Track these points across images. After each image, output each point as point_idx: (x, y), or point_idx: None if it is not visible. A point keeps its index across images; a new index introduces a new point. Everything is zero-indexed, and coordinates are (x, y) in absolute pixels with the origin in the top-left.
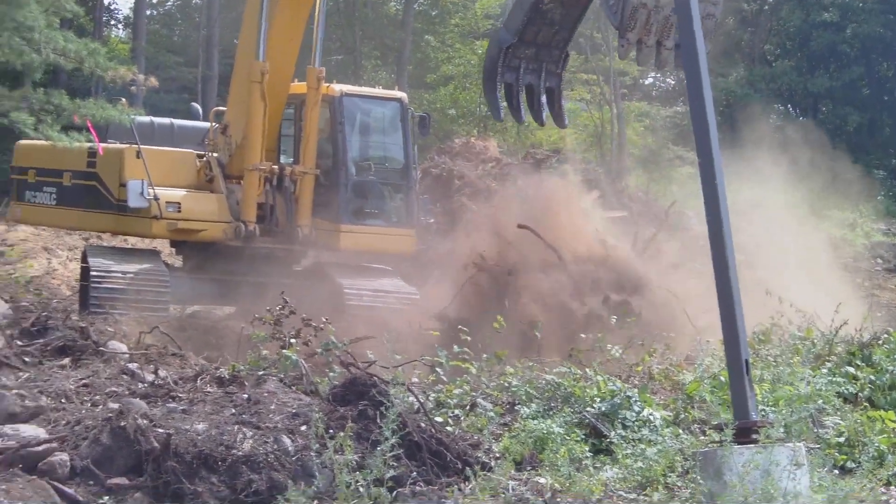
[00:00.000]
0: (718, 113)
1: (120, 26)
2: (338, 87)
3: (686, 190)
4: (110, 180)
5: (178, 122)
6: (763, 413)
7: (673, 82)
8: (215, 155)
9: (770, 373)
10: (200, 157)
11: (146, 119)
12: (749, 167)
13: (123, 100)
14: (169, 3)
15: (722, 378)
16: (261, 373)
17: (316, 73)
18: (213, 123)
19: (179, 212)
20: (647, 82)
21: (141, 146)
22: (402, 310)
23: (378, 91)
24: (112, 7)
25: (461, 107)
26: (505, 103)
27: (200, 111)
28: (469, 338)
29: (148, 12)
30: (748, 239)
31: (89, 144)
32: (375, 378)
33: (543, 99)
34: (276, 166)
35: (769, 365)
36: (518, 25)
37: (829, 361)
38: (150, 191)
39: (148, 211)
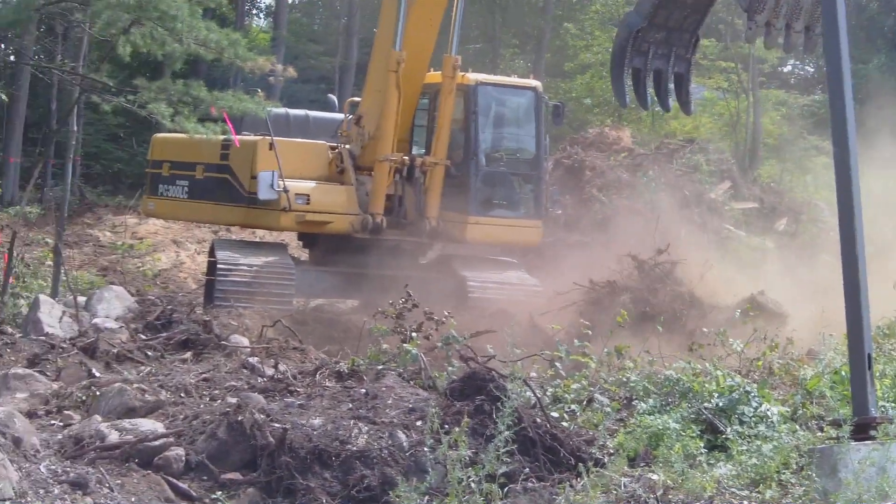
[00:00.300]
0: (857, 101)
1: (262, 15)
2: (473, 76)
3: (820, 181)
4: (242, 173)
5: (313, 113)
6: (883, 409)
7: (812, 69)
8: (347, 147)
9: (893, 368)
10: (333, 148)
11: (281, 111)
12: (886, 157)
13: (261, 91)
14: None
15: (843, 373)
16: (380, 367)
17: (452, 62)
18: (348, 114)
19: (308, 203)
20: (786, 70)
21: (274, 138)
22: (525, 302)
23: (513, 80)
24: None
25: (597, 96)
26: (631, 89)
27: (336, 102)
28: (590, 332)
29: (289, 1)
30: (880, 231)
31: (224, 136)
32: (494, 373)
33: (671, 85)
34: (406, 157)
35: (892, 360)
36: (649, 9)
37: None
38: (280, 182)
39: (277, 203)
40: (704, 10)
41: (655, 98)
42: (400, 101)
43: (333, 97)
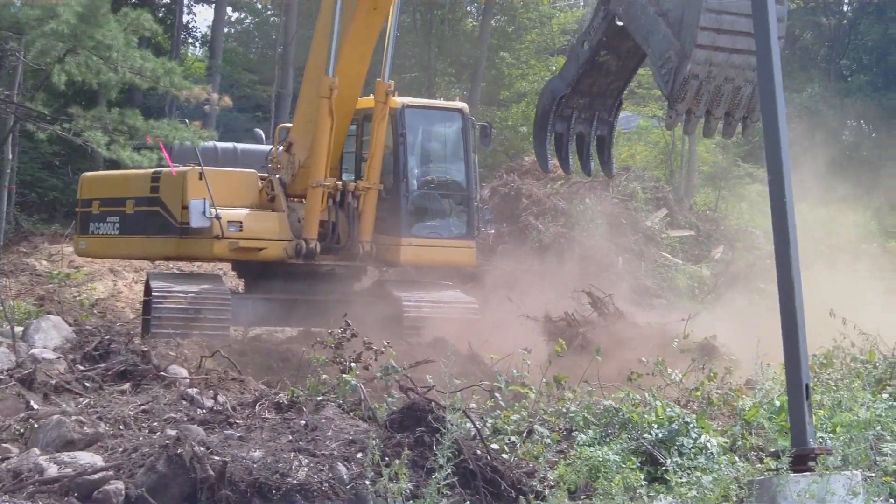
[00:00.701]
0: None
1: (197, 44)
2: (399, 100)
3: (755, 208)
4: (173, 203)
5: (241, 146)
6: (821, 440)
7: None
8: (277, 175)
9: (830, 398)
10: (262, 177)
11: (210, 144)
12: (820, 184)
13: (196, 121)
14: (247, 21)
15: (781, 403)
16: (320, 398)
17: (385, 88)
18: (277, 141)
19: (241, 230)
20: None
21: (203, 167)
22: (461, 320)
23: (440, 102)
24: (190, 25)
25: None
26: (553, 154)
27: (263, 136)
28: (529, 362)
29: (226, 30)
30: (815, 258)
31: (154, 169)
32: (433, 403)
33: (592, 148)
34: (339, 182)
35: (829, 389)
36: (573, 76)
37: (890, 386)
38: (212, 210)
39: (210, 231)
40: (628, 77)
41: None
42: (332, 128)
43: (261, 131)
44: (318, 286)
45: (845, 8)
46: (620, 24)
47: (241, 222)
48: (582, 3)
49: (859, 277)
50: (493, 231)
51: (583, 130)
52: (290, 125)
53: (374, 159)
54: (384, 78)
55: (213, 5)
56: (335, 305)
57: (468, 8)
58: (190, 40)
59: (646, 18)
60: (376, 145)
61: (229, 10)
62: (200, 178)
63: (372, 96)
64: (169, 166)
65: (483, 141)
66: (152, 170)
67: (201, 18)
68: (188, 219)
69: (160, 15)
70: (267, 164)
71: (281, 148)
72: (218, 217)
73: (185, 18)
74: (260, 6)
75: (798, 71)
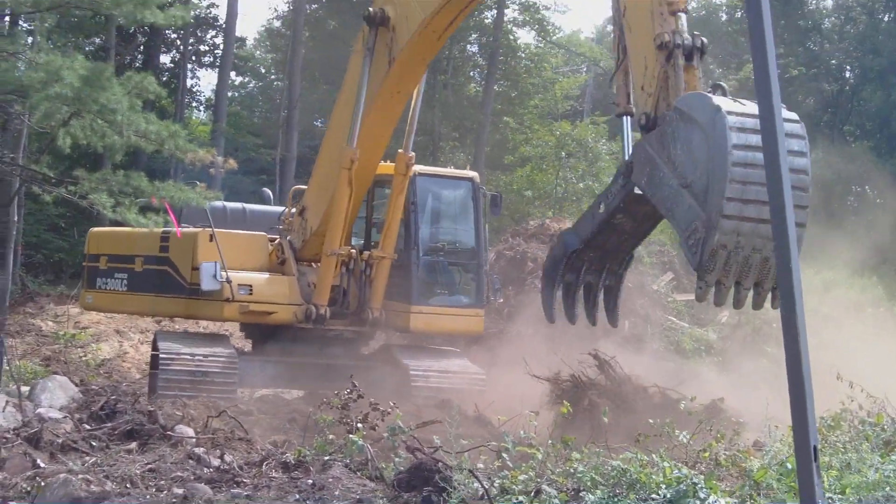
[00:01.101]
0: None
1: (201, 108)
2: (412, 168)
3: None
4: (182, 264)
5: (249, 206)
6: (830, 501)
7: None
8: (288, 238)
9: (839, 459)
10: (272, 240)
11: (219, 204)
12: (825, 249)
13: (202, 183)
14: (251, 85)
15: (789, 465)
16: (327, 458)
17: (406, 160)
18: (290, 205)
19: (251, 294)
20: None
21: (214, 229)
22: (468, 391)
23: (451, 171)
24: (194, 89)
25: (537, 188)
26: (560, 304)
27: (271, 196)
28: (536, 423)
29: (230, 94)
30: (822, 321)
31: (163, 229)
32: (440, 463)
33: (600, 298)
34: (353, 250)
35: (838, 451)
36: (588, 234)
37: None
38: (223, 273)
39: (220, 294)
40: (642, 237)
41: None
42: (351, 198)
43: (268, 191)
44: (325, 350)
45: (847, 74)
46: (640, 192)
47: (251, 286)
48: (584, 70)
49: (866, 341)
50: (502, 300)
51: (591, 280)
52: (304, 187)
53: (390, 229)
54: (406, 150)
55: (217, 69)
56: (342, 369)
57: (471, 73)
58: (194, 104)
59: (669, 191)
60: (393, 216)
61: (233, 73)
62: (211, 240)
63: (385, 162)
64: (175, 227)
65: (493, 210)
66: (161, 229)
67: (205, 82)
68: (198, 280)
69: (164, 79)
70: (279, 225)
71: (293, 210)
72: (228, 280)
73: (189, 82)
74: (263, 70)
75: None
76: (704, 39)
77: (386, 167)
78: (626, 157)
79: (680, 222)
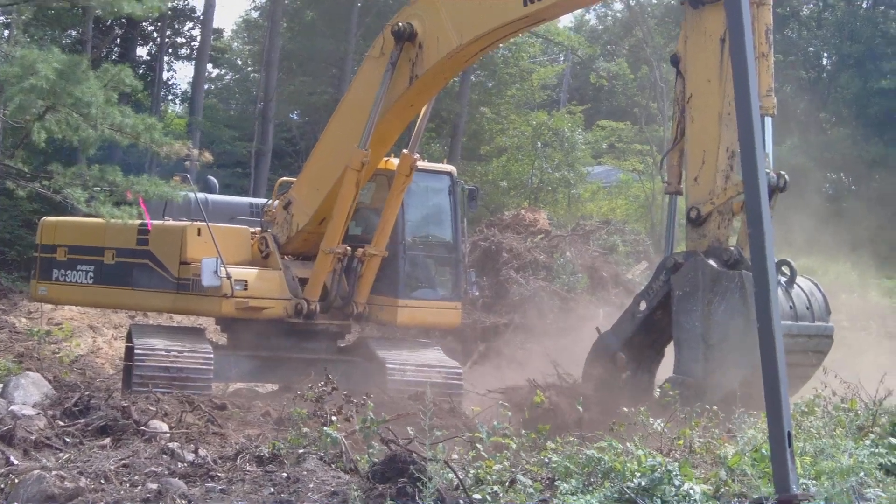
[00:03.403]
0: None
1: (177, 101)
2: (394, 161)
3: None
4: (167, 258)
5: (212, 197)
6: (804, 486)
7: None
8: (270, 231)
9: (812, 445)
10: (255, 232)
11: (202, 196)
12: (800, 236)
13: (177, 176)
14: (227, 78)
15: (764, 451)
16: (301, 451)
17: (410, 161)
18: (275, 197)
19: (246, 289)
20: None
21: (210, 223)
22: (445, 384)
23: (429, 165)
24: (170, 82)
25: (513, 178)
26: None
27: (217, 184)
28: (510, 413)
29: (206, 86)
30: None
31: (140, 222)
32: (415, 455)
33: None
34: (349, 248)
35: (812, 437)
36: (627, 335)
37: (872, 433)
38: (224, 269)
39: (219, 290)
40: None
41: None
42: (356, 199)
43: (214, 179)
44: (301, 344)
45: (825, 61)
46: None
47: (246, 281)
48: (562, 59)
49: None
50: (477, 293)
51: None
52: (291, 180)
53: (386, 227)
54: (412, 151)
55: (194, 62)
56: (318, 363)
57: None
58: (170, 97)
59: (689, 328)
60: (390, 215)
61: (210, 66)
62: (199, 234)
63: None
64: (146, 221)
65: (471, 204)
66: (138, 221)
67: (181, 75)
68: (191, 275)
69: (140, 71)
70: (262, 214)
71: (274, 202)
72: (229, 276)
73: (166, 75)
74: (240, 62)
75: (778, 124)
76: (787, 178)
77: (385, 164)
78: (672, 251)
79: (679, 362)
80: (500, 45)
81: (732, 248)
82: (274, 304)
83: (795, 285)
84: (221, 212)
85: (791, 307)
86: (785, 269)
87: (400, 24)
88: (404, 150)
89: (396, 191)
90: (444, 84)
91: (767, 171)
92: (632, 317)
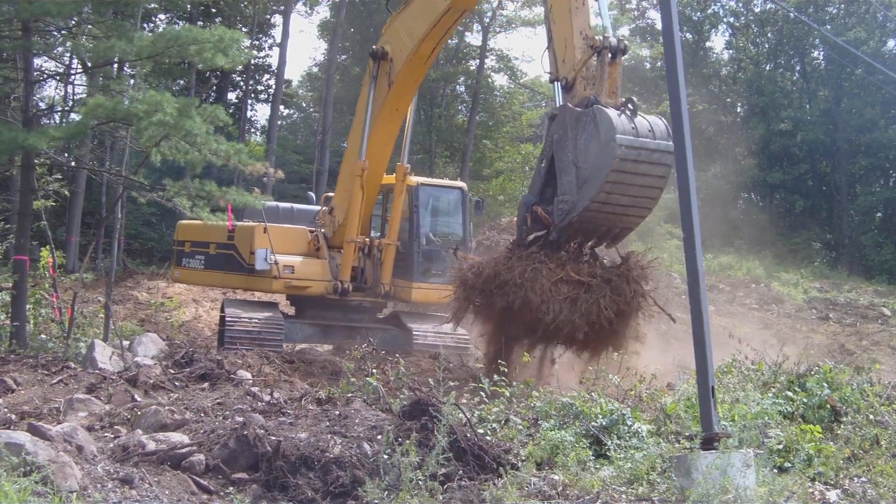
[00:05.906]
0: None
1: (258, 133)
2: (415, 179)
3: (673, 257)
4: (243, 249)
5: (297, 206)
6: (723, 427)
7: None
8: (322, 230)
9: (730, 396)
10: (311, 232)
11: (273, 204)
12: (721, 241)
13: (257, 189)
14: (294, 116)
15: (693, 400)
16: (349, 395)
17: (404, 170)
18: (323, 206)
19: (293, 273)
20: None
21: (267, 224)
22: (456, 347)
23: (445, 181)
24: (252, 119)
25: (507, 193)
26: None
27: (314, 197)
28: (506, 369)
29: (279, 122)
30: (718, 294)
31: (227, 222)
32: (434, 399)
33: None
34: (367, 239)
35: (729, 390)
36: (538, 188)
37: (773, 388)
38: (272, 257)
39: (269, 272)
40: None
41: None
42: (363, 199)
43: (312, 194)
44: (348, 315)
45: (739, 109)
46: None
47: (293, 266)
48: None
49: (751, 308)
50: None
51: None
52: (332, 194)
53: (394, 223)
54: (403, 161)
55: (270, 104)
56: (361, 330)
57: (459, 107)
58: (252, 130)
59: (564, 160)
60: (395, 212)
61: (282, 107)
62: (265, 232)
63: (394, 174)
64: (229, 222)
65: (477, 212)
66: (231, 223)
67: (261, 114)
68: (254, 262)
69: (230, 110)
70: (316, 220)
71: (325, 209)
72: (276, 262)
73: (249, 113)
74: (304, 104)
75: (704, 156)
76: (627, 43)
77: (391, 178)
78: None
79: (561, 185)
80: (448, 39)
81: (591, 96)
82: (315, 284)
83: (640, 115)
84: (304, 217)
85: (633, 128)
86: (630, 105)
87: (374, 47)
88: (398, 163)
89: (397, 193)
90: (415, 88)
91: (607, 35)
92: (538, 173)
